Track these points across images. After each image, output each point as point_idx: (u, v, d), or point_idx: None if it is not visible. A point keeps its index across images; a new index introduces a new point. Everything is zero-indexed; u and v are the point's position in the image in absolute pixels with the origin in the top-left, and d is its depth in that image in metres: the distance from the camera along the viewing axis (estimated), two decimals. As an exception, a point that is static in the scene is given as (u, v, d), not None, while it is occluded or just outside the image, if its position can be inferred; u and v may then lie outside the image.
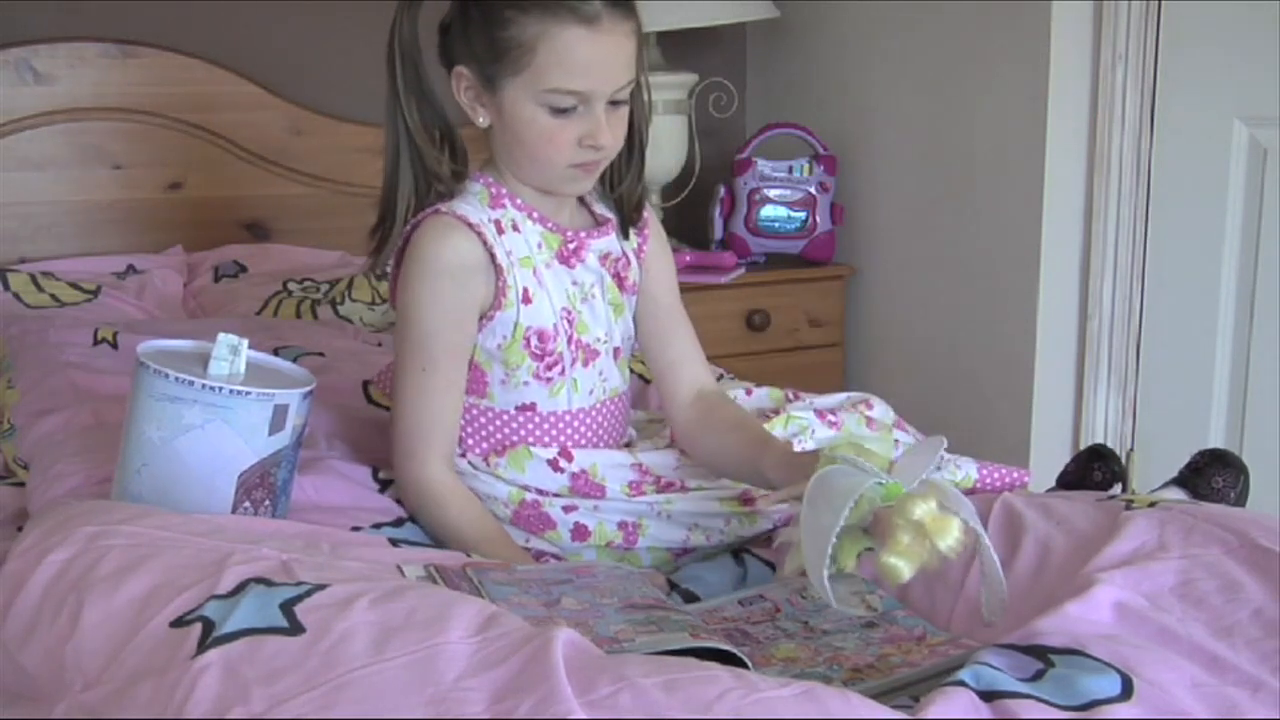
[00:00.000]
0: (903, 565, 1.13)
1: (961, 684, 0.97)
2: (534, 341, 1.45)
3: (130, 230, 2.55)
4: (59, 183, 2.51)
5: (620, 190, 1.52)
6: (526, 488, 1.46)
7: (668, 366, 1.59)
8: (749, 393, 1.68)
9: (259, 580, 1.03)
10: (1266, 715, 0.98)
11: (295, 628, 0.98)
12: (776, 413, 1.59)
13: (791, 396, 1.67)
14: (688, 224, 2.96)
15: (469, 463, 1.47)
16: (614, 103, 1.40)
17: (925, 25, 2.67)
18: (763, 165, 2.82)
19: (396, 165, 1.44)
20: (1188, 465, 1.55)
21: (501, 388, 1.47)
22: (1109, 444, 2.09)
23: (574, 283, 1.48)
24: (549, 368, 1.46)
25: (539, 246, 1.46)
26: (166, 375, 1.26)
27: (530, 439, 1.48)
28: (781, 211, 2.83)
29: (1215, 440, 2.30)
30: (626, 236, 1.54)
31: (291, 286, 2.38)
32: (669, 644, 1.09)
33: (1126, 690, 0.97)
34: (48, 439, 1.57)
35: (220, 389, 1.26)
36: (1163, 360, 2.40)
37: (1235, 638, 1.07)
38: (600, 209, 1.54)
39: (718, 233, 2.88)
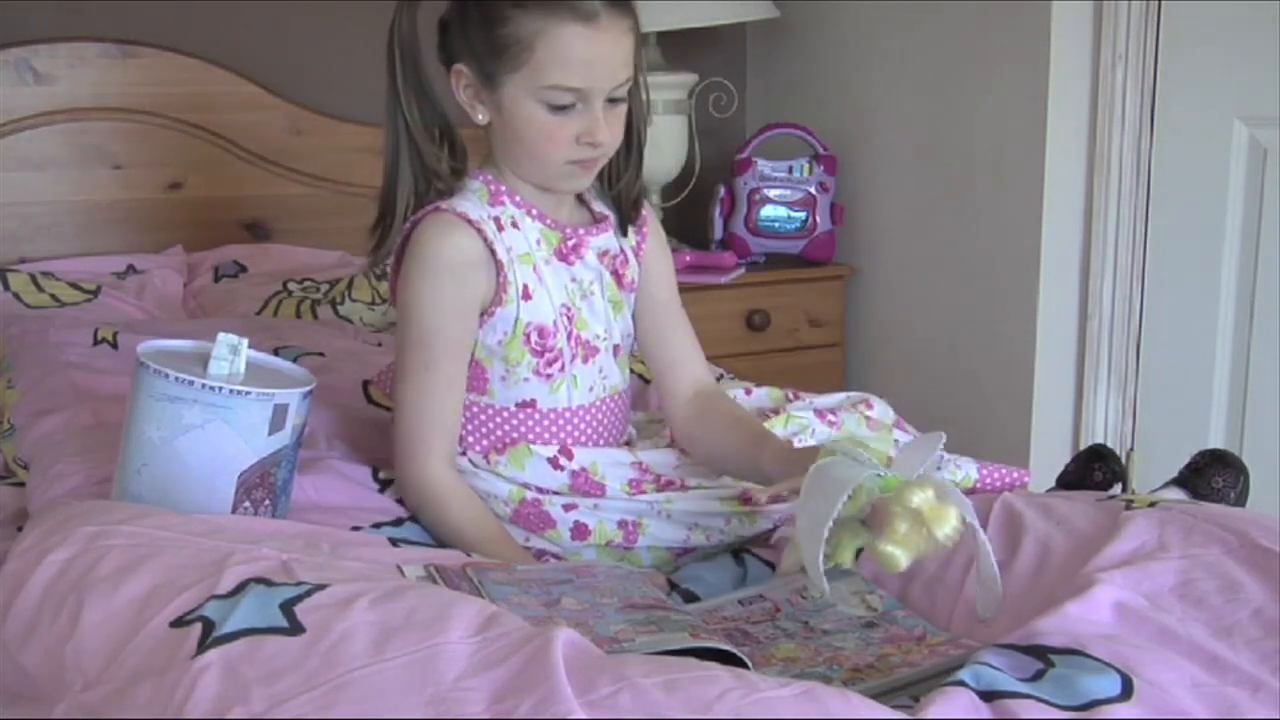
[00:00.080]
0: (900, 553, 1.13)
1: (961, 684, 0.97)
2: (534, 338, 1.45)
3: (130, 230, 2.55)
4: (59, 183, 2.51)
5: (619, 188, 1.52)
6: (527, 486, 1.46)
7: (666, 364, 1.59)
8: (749, 392, 1.68)
9: (259, 580, 1.03)
10: (1266, 715, 0.98)
11: (295, 628, 0.98)
12: (776, 412, 1.60)
13: (791, 396, 1.67)
14: (688, 224, 2.95)
15: (469, 460, 1.47)
16: (612, 100, 1.41)
17: (925, 25, 2.67)
18: (763, 165, 2.82)
19: (396, 163, 1.44)
20: (1188, 465, 1.55)
21: (502, 384, 1.47)
22: (1109, 444, 2.09)
23: (573, 279, 1.48)
24: (549, 364, 1.46)
25: (538, 243, 1.46)
26: (166, 375, 1.26)
27: (530, 436, 1.48)
28: (781, 211, 2.83)
29: (1215, 440, 2.30)
30: (625, 234, 1.55)
31: (291, 286, 2.38)
32: (669, 644, 1.09)
33: (1126, 690, 0.97)
34: (48, 439, 1.57)
35: (220, 389, 1.26)
36: (1163, 360, 2.40)
37: (1235, 638, 1.07)
38: (599, 206, 1.54)
39: (718, 233, 2.88)
